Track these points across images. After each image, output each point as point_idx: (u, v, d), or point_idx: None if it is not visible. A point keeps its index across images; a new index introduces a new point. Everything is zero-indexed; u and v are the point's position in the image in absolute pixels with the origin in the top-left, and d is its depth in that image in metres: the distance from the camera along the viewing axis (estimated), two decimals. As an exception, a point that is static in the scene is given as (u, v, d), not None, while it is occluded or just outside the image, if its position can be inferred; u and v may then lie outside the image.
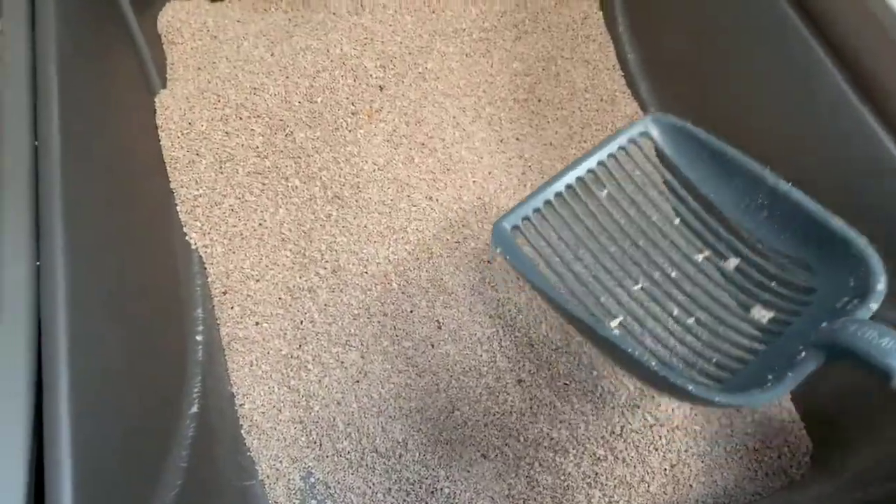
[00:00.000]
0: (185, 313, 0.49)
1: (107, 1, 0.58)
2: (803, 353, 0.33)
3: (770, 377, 0.33)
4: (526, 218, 0.44)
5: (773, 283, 0.40)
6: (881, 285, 0.34)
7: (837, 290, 0.36)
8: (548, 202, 0.44)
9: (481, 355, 0.50)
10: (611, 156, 0.46)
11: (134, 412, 0.39)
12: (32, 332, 0.36)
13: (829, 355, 0.33)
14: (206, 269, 0.53)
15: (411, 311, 0.51)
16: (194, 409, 0.44)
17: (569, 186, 0.45)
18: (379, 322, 0.51)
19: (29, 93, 0.44)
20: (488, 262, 0.54)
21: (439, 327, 0.51)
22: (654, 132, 0.46)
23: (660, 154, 0.46)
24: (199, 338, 0.49)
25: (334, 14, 0.62)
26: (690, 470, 0.47)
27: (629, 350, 0.35)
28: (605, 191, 0.45)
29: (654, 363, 0.34)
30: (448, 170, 0.57)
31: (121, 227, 0.46)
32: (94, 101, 0.48)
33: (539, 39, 0.64)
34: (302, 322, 0.52)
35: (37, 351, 0.36)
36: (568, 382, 0.49)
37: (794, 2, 0.47)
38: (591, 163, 0.45)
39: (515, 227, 0.44)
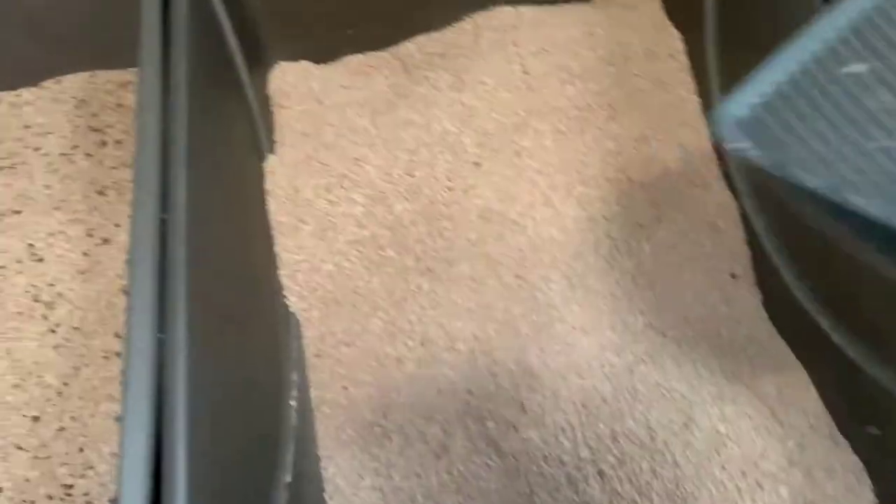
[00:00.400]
0: (283, 376, 0.51)
1: (224, 62, 0.61)
2: None
3: None
4: (761, 103, 0.33)
5: None
6: None
7: None
8: (793, 80, 0.33)
9: (563, 443, 0.51)
10: (866, 19, 0.34)
11: (239, 478, 0.41)
12: (153, 400, 0.39)
13: None
14: (302, 332, 0.55)
15: (496, 392, 0.52)
16: (288, 477, 0.46)
17: (816, 60, 0.34)
18: (463, 399, 0.53)
19: (158, 157, 0.46)
20: (573, 345, 0.54)
21: (523, 410, 0.52)
22: None
23: None
24: (293, 402, 0.51)
25: (435, 88, 0.64)
26: (772, 582, 0.46)
27: None
28: (865, 66, 0.34)
29: None
30: (537, 249, 0.58)
31: (233, 292, 0.48)
32: (216, 166, 0.51)
33: (633, 120, 0.65)
34: (388, 391, 0.54)
35: (157, 417, 0.38)
36: (650, 480, 0.49)
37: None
38: (841, 26, 0.34)
39: (753, 115, 0.33)
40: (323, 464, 0.52)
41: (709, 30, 0.64)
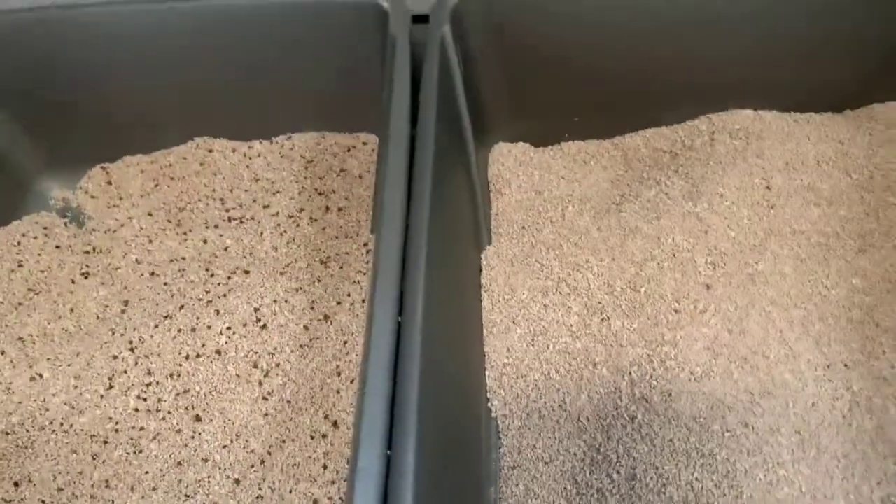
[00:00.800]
0: (481, 493, 0.49)
1: (458, 143, 0.61)
2: None
3: None
4: None
5: None
6: None
7: None
8: None
9: None
10: None
11: None
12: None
13: None
14: (500, 441, 0.53)
15: (709, 553, 0.47)
16: None
17: None
18: (670, 552, 0.48)
19: (399, 257, 0.45)
20: (801, 514, 0.48)
21: (738, 581, 0.46)
22: None
23: None
24: (490, 523, 0.49)
25: (666, 195, 0.60)
26: None
27: None
28: None
29: None
30: (768, 393, 0.52)
31: (449, 396, 0.47)
32: (447, 257, 0.50)
33: (888, 257, 0.58)
34: (584, 522, 0.50)
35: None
36: None
37: None
38: None
39: None
40: (507, 588, 0.49)
41: None
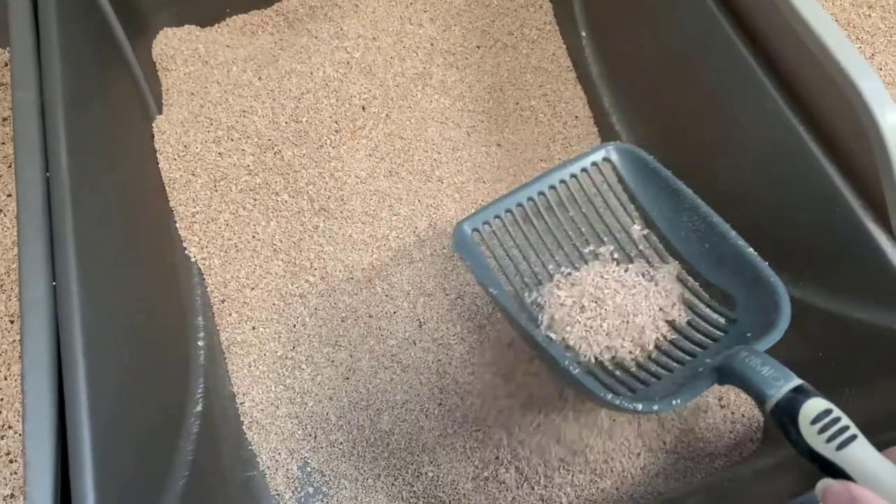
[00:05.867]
0: (188, 322, 0.54)
1: (103, 31, 0.62)
2: (701, 371, 0.39)
3: (675, 390, 0.40)
4: (486, 223, 0.49)
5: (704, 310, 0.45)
6: (782, 325, 0.40)
7: (751, 323, 0.42)
8: (509, 211, 0.49)
9: (461, 354, 0.55)
10: (573, 176, 0.51)
11: (145, 413, 0.44)
12: (52, 345, 0.41)
13: (721, 376, 0.38)
14: (205, 280, 0.57)
15: (395, 312, 0.56)
16: (199, 407, 0.49)
17: (530, 199, 0.50)
18: (365, 323, 0.56)
19: (38, 124, 0.48)
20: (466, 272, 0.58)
21: (420, 326, 0.56)
22: (615, 157, 0.51)
23: (620, 180, 0.51)
24: (200, 343, 0.54)
25: (317, 38, 0.66)
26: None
27: (558, 360, 0.41)
28: (565, 209, 0.50)
29: (576, 372, 0.41)
30: (428, 180, 0.61)
31: (127, 246, 0.50)
32: (99, 129, 0.53)
33: (503, 57, 0.69)
34: (295, 325, 0.57)
35: (57, 362, 0.40)
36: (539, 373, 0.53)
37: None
38: (554, 180, 0.50)
39: (476, 230, 0.49)
40: (239, 399, 0.55)
41: None
